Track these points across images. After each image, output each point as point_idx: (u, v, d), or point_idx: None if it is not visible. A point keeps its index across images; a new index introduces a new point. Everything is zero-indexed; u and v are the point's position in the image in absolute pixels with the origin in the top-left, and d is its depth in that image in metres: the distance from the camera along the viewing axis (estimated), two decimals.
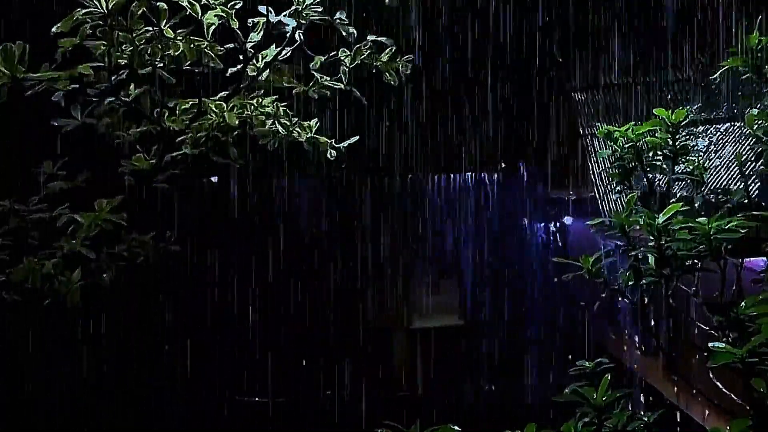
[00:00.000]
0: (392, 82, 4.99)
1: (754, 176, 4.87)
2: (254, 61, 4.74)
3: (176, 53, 4.44)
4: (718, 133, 11.10)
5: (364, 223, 16.30)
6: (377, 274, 16.46)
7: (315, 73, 4.95)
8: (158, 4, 4.29)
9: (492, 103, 15.74)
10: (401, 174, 16.22)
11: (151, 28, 4.35)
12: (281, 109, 4.75)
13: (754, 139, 4.52)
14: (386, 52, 4.94)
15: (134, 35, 4.33)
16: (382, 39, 4.90)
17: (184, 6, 4.34)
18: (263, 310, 15.22)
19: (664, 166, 4.76)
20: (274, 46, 4.74)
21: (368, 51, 4.87)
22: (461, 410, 15.49)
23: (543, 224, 17.80)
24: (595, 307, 14.68)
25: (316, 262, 15.66)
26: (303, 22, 4.61)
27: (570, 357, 14.39)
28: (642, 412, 4.15)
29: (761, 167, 4.54)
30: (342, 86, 4.93)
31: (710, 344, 3.69)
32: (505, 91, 15.69)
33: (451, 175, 17.50)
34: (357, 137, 5.03)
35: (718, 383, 4.93)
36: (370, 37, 4.88)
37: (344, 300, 16.11)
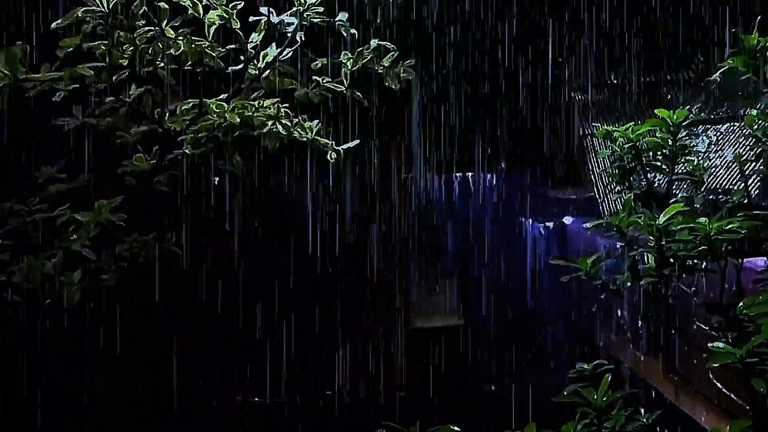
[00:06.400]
0: (393, 87, 4.99)
1: (754, 176, 4.87)
2: (255, 61, 4.75)
3: (177, 53, 4.45)
4: (718, 133, 11.11)
5: (364, 223, 16.32)
6: (377, 275, 16.47)
7: (316, 77, 4.96)
8: (159, 3, 4.30)
9: (490, 103, 15.75)
10: (400, 174, 16.24)
11: (152, 28, 4.36)
12: (282, 110, 4.75)
13: (754, 140, 4.53)
14: (388, 56, 4.94)
15: (135, 35, 4.34)
16: (385, 43, 4.90)
17: (186, 6, 4.35)
18: (263, 311, 15.23)
19: (664, 166, 4.76)
20: (275, 46, 4.75)
21: (370, 55, 4.87)
22: (461, 410, 15.49)
23: (542, 224, 17.80)
24: (593, 307, 14.71)
25: (316, 263, 15.65)
26: (304, 23, 4.62)
27: (570, 357, 14.40)
28: (642, 413, 4.15)
29: (761, 167, 4.54)
30: (343, 89, 4.94)
31: (710, 344, 3.70)
32: (503, 90, 15.69)
33: (449, 176, 17.51)
34: (358, 140, 5.04)
35: (718, 383, 4.93)
36: (373, 42, 4.88)
37: (345, 300, 16.13)
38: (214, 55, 4.54)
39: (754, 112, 4.42)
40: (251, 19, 4.65)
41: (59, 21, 4.12)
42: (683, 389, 11.51)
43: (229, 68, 4.78)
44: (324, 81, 4.97)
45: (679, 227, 4.03)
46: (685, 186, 4.97)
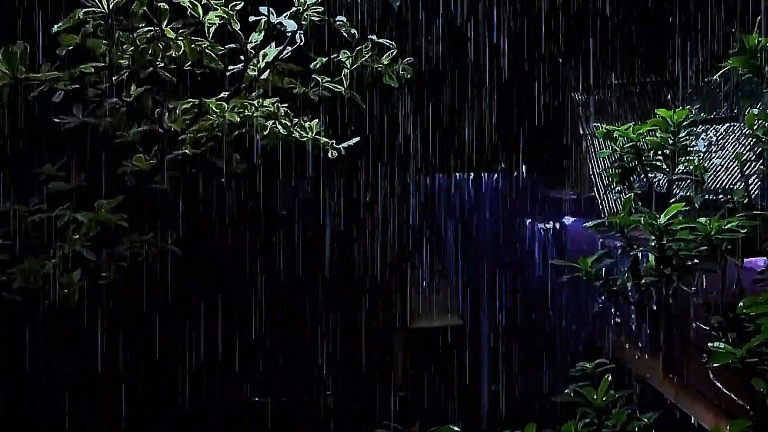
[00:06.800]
0: (392, 85, 4.99)
1: (754, 176, 4.86)
2: (255, 61, 4.74)
3: (177, 53, 4.44)
4: (718, 133, 11.09)
5: (364, 223, 16.31)
6: (377, 275, 16.45)
7: (316, 76, 4.95)
8: (159, 4, 4.29)
9: (490, 103, 15.73)
10: (400, 174, 16.22)
11: (152, 29, 4.35)
12: (281, 109, 4.75)
13: (754, 139, 4.52)
14: (387, 54, 4.93)
15: (135, 35, 4.33)
16: (383, 41, 4.89)
17: (186, 6, 4.34)
18: (264, 310, 15.21)
19: (664, 166, 4.76)
20: (274, 46, 4.74)
21: (369, 53, 4.86)
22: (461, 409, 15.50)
23: (542, 224, 17.78)
24: (594, 307, 14.70)
25: (316, 262, 15.64)
26: (304, 23, 4.61)
27: (569, 358, 14.39)
28: (642, 412, 4.15)
29: (761, 167, 4.54)
30: (342, 89, 4.93)
31: (710, 344, 3.69)
32: (503, 91, 15.68)
33: (450, 176, 17.48)
34: (358, 138, 5.03)
35: (718, 383, 4.93)
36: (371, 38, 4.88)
37: (345, 300, 16.12)
38: (214, 55, 4.53)
39: (755, 112, 4.41)
40: (251, 19, 4.64)
41: (60, 23, 4.11)
42: (683, 389, 11.50)
43: (229, 68, 4.78)
44: (324, 81, 4.96)
45: (679, 227, 4.02)
46: (685, 186, 4.96)
